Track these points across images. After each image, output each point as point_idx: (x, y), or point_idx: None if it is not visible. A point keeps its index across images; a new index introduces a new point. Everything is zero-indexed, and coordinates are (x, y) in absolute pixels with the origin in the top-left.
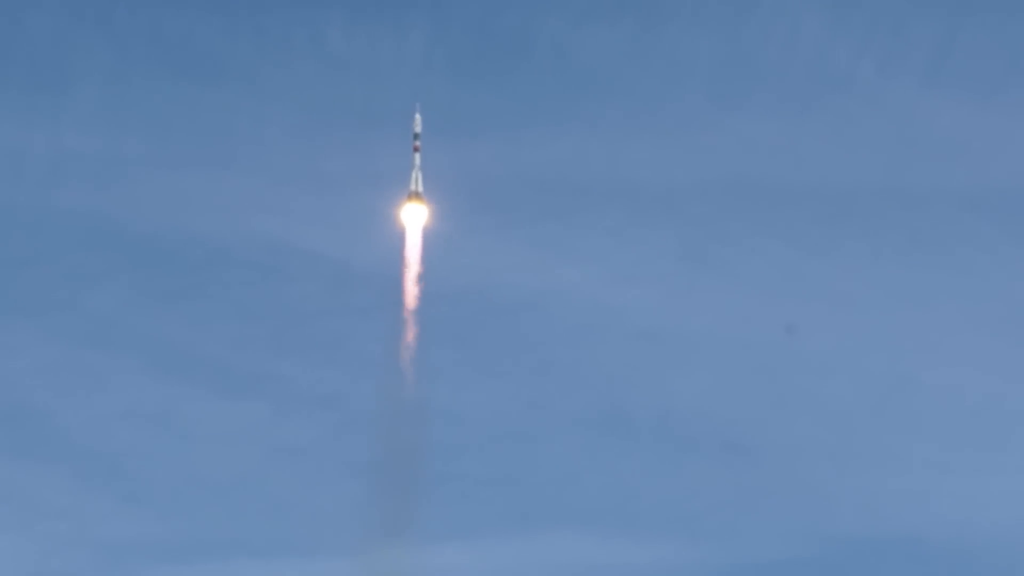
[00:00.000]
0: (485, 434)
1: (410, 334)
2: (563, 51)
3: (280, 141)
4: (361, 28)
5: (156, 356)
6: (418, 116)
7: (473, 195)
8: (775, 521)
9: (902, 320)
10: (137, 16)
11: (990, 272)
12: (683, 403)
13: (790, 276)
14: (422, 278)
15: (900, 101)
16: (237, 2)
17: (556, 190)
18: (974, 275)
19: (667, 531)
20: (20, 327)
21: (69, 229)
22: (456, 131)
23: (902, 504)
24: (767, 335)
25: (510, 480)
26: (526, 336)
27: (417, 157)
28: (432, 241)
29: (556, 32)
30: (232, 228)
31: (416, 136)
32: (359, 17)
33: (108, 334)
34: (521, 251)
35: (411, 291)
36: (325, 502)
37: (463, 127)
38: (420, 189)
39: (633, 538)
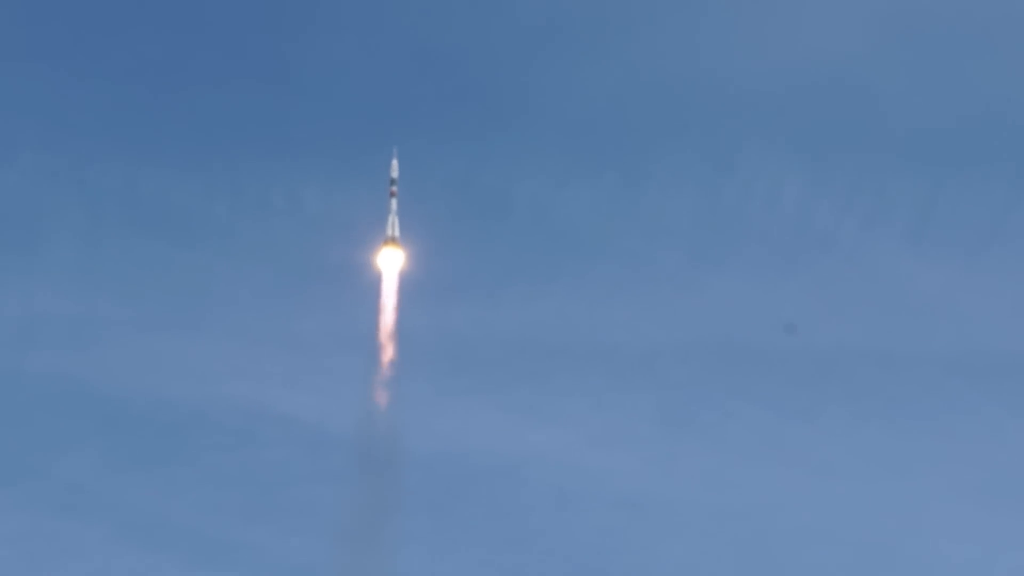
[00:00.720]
0: None
1: (383, 501)
2: (543, 209)
3: (255, 303)
4: (338, 187)
5: (127, 523)
6: (395, 161)
7: (450, 356)
8: None
9: (885, 487)
10: (111, 174)
11: (974, 438)
12: (663, 571)
13: (771, 441)
14: (397, 442)
15: (883, 261)
16: (213, 160)
17: (534, 352)
18: (958, 441)
19: None
20: None
21: (40, 393)
22: (434, 291)
23: None
24: (748, 501)
25: None
26: (503, 502)
27: (394, 202)
28: (407, 403)
29: (536, 190)
30: (206, 392)
31: (393, 182)
32: (336, 176)
33: (79, 501)
34: (498, 414)
35: (386, 456)
36: None
37: (441, 287)
38: (396, 233)
39: None
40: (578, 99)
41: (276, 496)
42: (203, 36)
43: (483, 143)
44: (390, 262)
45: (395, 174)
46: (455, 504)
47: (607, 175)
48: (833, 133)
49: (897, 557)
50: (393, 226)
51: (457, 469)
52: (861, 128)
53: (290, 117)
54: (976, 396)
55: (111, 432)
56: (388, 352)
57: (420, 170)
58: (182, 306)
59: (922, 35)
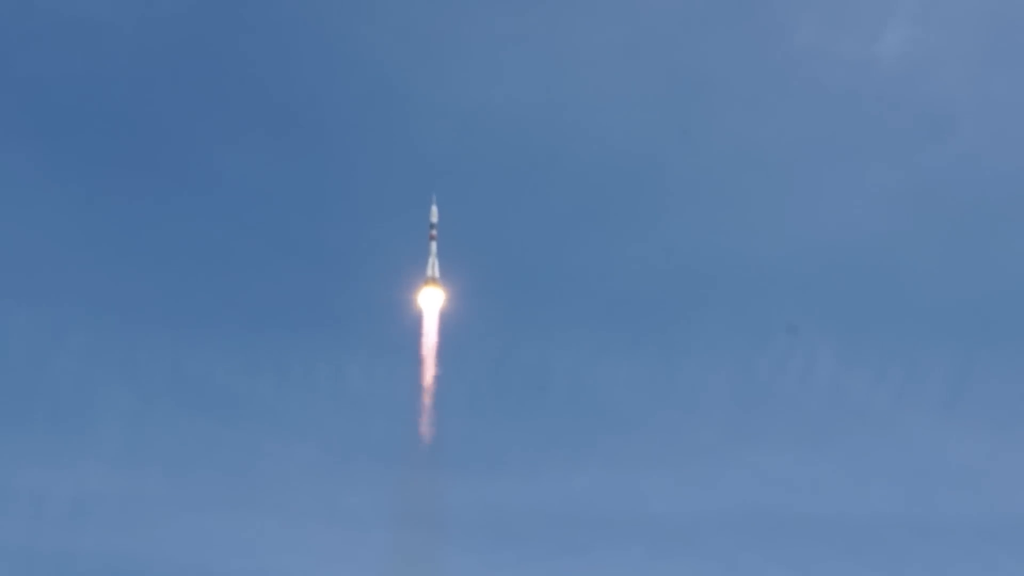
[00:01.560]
0: None
1: None
2: (580, 385)
3: (301, 479)
4: (380, 364)
5: None
6: (434, 207)
7: (491, 530)
8: None
9: None
10: (158, 355)
11: None
12: None
13: None
14: None
15: (916, 432)
16: (258, 340)
17: (574, 524)
18: None
19: None
20: None
21: (90, 571)
22: (474, 465)
23: None
24: None
25: None
26: None
27: (433, 245)
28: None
29: (574, 365)
30: (253, 568)
31: (432, 226)
32: (379, 354)
33: None
34: None
35: None
36: None
37: (481, 461)
38: (436, 275)
39: None
40: (615, 276)
41: None
42: (245, 220)
43: (522, 319)
44: (432, 436)
45: (435, 219)
46: None
47: (644, 350)
48: (864, 308)
49: None
50: (433, 267)
51: None
52: (892, 302)
53: (332, 297)
54: (1010, 562)
55: None
56: (431, 525)
57: (460, 346)
58: (229, 483)
59: (949, 210)
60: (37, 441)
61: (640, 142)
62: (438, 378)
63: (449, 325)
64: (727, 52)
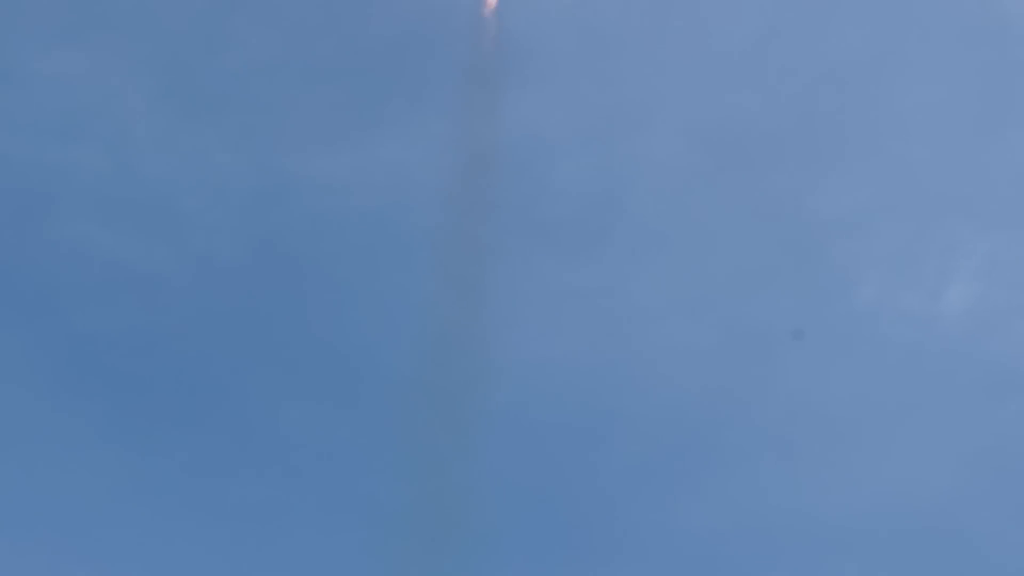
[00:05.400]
0: None
1: None
2: None
3: None
4: None
5: None
6: None
7: None
8: None
9: None
10: None
11: None
12: None
13: None
14: None
15: None
16: None
17: None
18: None
19: None
20: None
21: None
22: None
23: None
24: None
25: None
26: None
27: None
28: None
29: None
30: None
31: None
32: None
33: None
34: None
35: None
36: None
37: None
38: None
39: None
40: (673, 536)
41: None
42: (308, 481)
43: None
44: None
45: None
46: None
47: None
48: (934, 571)
49: None
50: None
51: None
52: (962, 565)
53: None
54: None
55: None
56: None
57: None
58: None
59: (1020, 470)
60: None
61: (699, 399)
62: None
63: None
64: (788, 307)
